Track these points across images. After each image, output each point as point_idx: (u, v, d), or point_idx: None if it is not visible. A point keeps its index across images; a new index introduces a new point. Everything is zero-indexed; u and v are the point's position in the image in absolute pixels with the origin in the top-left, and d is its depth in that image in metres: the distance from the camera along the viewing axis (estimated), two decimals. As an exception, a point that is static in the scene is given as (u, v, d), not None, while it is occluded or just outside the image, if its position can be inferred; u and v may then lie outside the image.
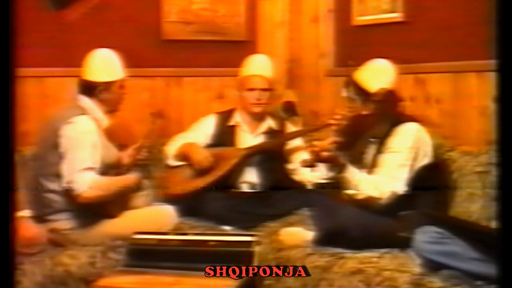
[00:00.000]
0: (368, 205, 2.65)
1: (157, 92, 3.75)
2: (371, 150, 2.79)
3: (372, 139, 2.79)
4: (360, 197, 2.66)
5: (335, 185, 3.00)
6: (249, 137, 3.39)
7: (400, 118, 2.74)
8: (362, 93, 2.72)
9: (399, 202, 2.62)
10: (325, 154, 2.73)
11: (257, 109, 3.34)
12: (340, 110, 2.82)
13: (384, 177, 2.64)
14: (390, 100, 2.73)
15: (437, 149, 2.77)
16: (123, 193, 2.86)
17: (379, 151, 2.73)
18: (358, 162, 2.77)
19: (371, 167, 2.73)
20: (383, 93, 2.70)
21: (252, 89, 3.31)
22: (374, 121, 2.75)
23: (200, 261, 2.35)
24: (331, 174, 3.17)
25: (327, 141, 2.74)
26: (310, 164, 2.82)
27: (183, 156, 3.31)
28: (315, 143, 2.80)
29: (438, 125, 2.95)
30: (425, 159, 2.69)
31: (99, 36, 3.47)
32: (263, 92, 3.32)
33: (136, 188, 2.93)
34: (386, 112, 2.73)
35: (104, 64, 2.86)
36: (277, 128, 3.42)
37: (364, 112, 2.72)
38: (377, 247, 2.47)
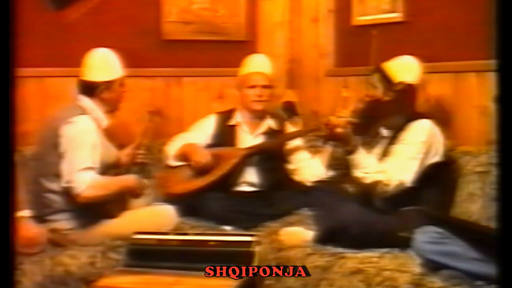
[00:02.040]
0: (374, 190, 2.67)
1: (157, 92, 3.75)
2: (383, 140, 2.80)
3: (386, 130, 2.79)
4: (367, 181, 2.68)
5: (335, 184, 3.01)
6: (249, 137, 3.39)
7: (416, 114, 2.76)
8: (386, 81, 2.73)
9: (406, 198, 2.63)
10: (338, 131, 2.74)
11: (258, 106, 3.34)
12: (334, 118, 2.83)
13: (394, 166, 2.65)
14: (410, 94, 2.75)
15: (447, 148, 2.78)
16: (122, 193, 2.86)
17: (391, 142, 2.74)
18: (369, 148, 2.79)
19: (382, 157, 2.74)
20: (405, 85, 2.71)
21: (253, 86, 3.32)
22: (391, 110, 2.75)
23: (200, 261, 2.35)
24: (331, 173, 3.19)
25: (343, 119, 2.75)
26: (323, 138, 2.85)
27: (183, 156, 3.31)
28: (331, 118, 2.81)
29: (438, 125, 2.94)
30: (436, 157, 2.71)
31: (99, 36, 3.47)
32: (264, 89, 3.32)
33: (136, 191, 2.92)
34: (403, 105, 2.74)
35: (103, 64, 2.86)
36: (277, 128, 3.42)
37: (385, 98, 2.73)
38: (377, 246, 2.48)
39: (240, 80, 3.37)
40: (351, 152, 2.74)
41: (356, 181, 2.78)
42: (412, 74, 2.77)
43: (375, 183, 2.67)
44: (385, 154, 2.75)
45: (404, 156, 2.67)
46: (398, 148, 2.70)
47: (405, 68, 2.77)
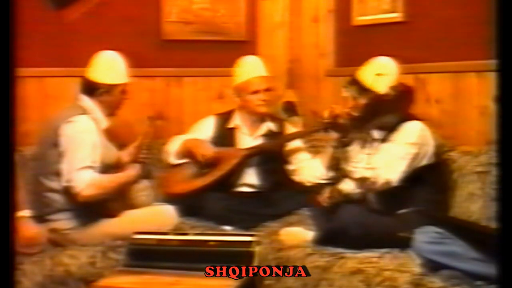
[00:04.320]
0: (361, 185, 2.70)
1: (157, 92, 3.75)
2: (375, 141, 2.80)
3: (377, 132, 2.79)
4: (356, 175, 2.69)
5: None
6: (249, 139, 3.38)
7: (408, 116, 2.76)
8: (366, 92, 2.73)
9: (398, 199, 2.64)
10: (340, 121, 2.75)
11: (263, 109, 3.33)
12: (337, 107, 2.85)
13: (382, 164, 2.65)
14: (405, 95, 2.75)
15: (438, 149, 2.78)
16: (123, 192, 2.86)
17: (382, 142, 2.74)
18: (363, 143, 2.79)
19: (372, 154, 2.74)
20: (403, 86, 2.72)
21: (256, 92, 3.30)
22: (387, 109, 2.75)
23: (200, 261, 2.36)
24: (330, 174, 3.19)
25: (345, 110, 2.76)
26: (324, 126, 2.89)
27: (186, 152, 3.30)
28: (335, 106, 2.82)
29: (438, 125, 2.95)
30: (426, 159, 2.71)
31: (99, 36, 3.47)
32: (266, 92, 3.31)
33: (136, 182, 2.92)
34: (399, 105, 2.74)
35: (109, 67, 2.86)
36: (276, 130, 3.41)
37: (385, 97, 2.73)
38: (377, 247, 2.48)
39: (241, 87, 3.35)
40: (347, 144, 2.75)
41: (346, 175, 2.79)
42: (390, 75, 2.75)
43: (363, 179, 2.68)
44: (375, 152, 2.75)
45: (393, 155, 2.67)
46: (387, 147, 2.71)
47: (381, 73, 2.77)
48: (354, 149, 2.76)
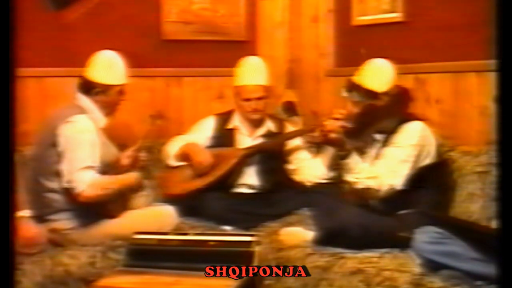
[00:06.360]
0: (366, 195, 2.69)
1: (157, 92, 3.75)
2: (376, 144, 2.80)
3: (378, 134, 2.80)
4: (359, 186, 2.68)
5: (335, 185, 3.01)
6: (248, 140, 3.37)
7: (407, 116, 2.76)
8: (367, 94, 2.73)
9: (400, 200, 2.64)
10: (332, 135, 2.75)
11: (255, 116, 3.33)
12: (339, 110, 2.85)
13: (385, 170, 2.65)
14: (402, 97, 2.75)
15: (440, 149, 2.78)
16: (123, 192, 2.86)
17: (383, 145, 2.74)
18: (362, 152, 2.79)
19: (374, 160, 2.74)
20: (398, 89, 2.72)
21: (247, 99, 3.29)
22: (385, 114, 2.75)
23: (200, 261, 2.35)
24: (331, 174, 3.19)
25: (337, 124, 2.75)
26: (317, 142, 2.86)
27: (184, 156, 3.30)
28: (325, 123, 2.81)
29: (438, 125, 2.95)
30: (428, 159, 2.71)
31: (99, 36, 3.47)
32: (259, 101, 3.29)
33: (136, 187, 2.92)
34: (397, 108, 2.74)
35: (107, 67, 2.85)
36: (276, 130, 3.41)
37: (379, 103, 2.73)
38: (377, 247, 2.48)
39: (235, 91, 3.34)
40: (345, 156, 2.75)
41: (348, 185, 2.79)
42: (388, 77, 2.76)
43: (366, 189, 2.67)
44: (377, 157, 2.75)
45: (395, 159, 2.67)
46: (389, 151, 2.70)
47: (379, 74, 2.77)
48: (355, 159, 2.74)
